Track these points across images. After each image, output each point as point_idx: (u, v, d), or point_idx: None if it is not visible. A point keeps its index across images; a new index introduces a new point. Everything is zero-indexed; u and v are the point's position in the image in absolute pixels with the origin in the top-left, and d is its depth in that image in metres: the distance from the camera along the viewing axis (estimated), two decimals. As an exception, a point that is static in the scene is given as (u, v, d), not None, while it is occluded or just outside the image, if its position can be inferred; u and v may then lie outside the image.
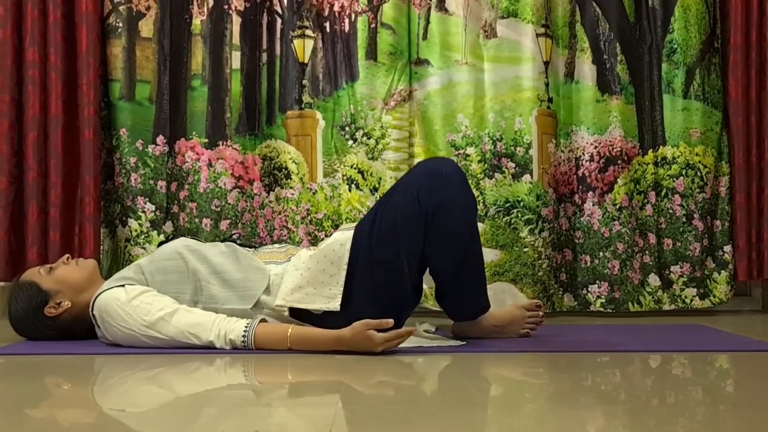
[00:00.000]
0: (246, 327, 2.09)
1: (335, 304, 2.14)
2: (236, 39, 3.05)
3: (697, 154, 3.07)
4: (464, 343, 2.21)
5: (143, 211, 2.97)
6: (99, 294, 2.17)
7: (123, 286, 2.17)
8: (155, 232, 2.97)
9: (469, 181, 2.94)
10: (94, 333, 2.25)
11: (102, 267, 2.96)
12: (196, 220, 2.99)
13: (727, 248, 3.07)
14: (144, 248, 2.94)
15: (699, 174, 3.07)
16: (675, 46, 3.07)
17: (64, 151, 2.94)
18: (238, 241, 2.38)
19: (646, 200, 3.07)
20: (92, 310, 2.17)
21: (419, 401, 1.63)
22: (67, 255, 2.35)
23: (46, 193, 2.94)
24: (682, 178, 3.06)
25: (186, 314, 2.12)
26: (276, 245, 2.43)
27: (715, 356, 2.12)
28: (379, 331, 2.02)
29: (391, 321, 2.03)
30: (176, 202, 3.01)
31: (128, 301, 2.13)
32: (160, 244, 2.39)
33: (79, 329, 2.27)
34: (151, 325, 2.10)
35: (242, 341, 2.08)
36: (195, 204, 3.00)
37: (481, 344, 2.22)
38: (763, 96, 3.07)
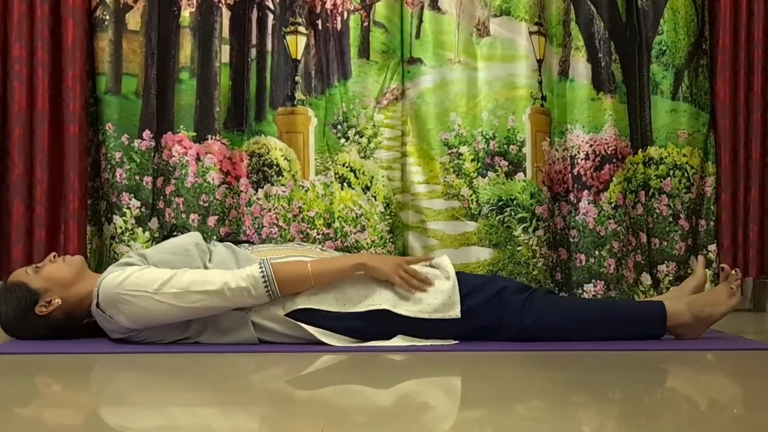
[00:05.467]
0: (261, 264, 2.11)
1: (456, 311, 2.20)
2: (226, 32, 3.02)
3: (684, 155, 3.08)
4: (457, 342, 2.21)
5: (128, 208, 2.93)
6: (105, 276, 2.16)
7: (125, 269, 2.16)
8: (140, 229, 2.93)
9: (462, 180, 2.97)
10: (88, 331, 2.24)
11: (89, 265, 2.92)
12: (183, 215, 2.94)
13: (712, 248, 3.09)
14: (128, 246, 2.89)
15: (686, 175, 3.09)
16: (664, 48, 3.08)
17: (50, 147, 2.89)
18: (244, 239, 2.38)
19: (636, 199, 3.08)
20: (97, 290, 2.14)
21: (412, 401, 1.62)
22: (53, 253, 2.33)
23: (31, 190, 2.88)
24: (669, 178, 3.07)
25: (197, 270, 2.15)
26: (292, 244, 2.45)
27: (708, 355, 2.13)
28: None
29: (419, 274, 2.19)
30: (162, 197, 2.98)
31: (136, 270, 2.13)
32: (164, 237, 2.38)
33: (71, 327, 2.25)
34: (164, 282, 2.09)
35: (261, 275, 2.09)
36: (182, 199, 2.95)
37: (474, 343, 2.21)
38: (751, 97, 3.10)
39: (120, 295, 2.10)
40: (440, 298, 2.21)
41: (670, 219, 3.08)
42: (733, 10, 3.08)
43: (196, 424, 1.41)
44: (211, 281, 2.09)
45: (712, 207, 3.11)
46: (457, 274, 2.27)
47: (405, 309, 2.19)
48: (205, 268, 2.22)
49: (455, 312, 2.19)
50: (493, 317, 2.21)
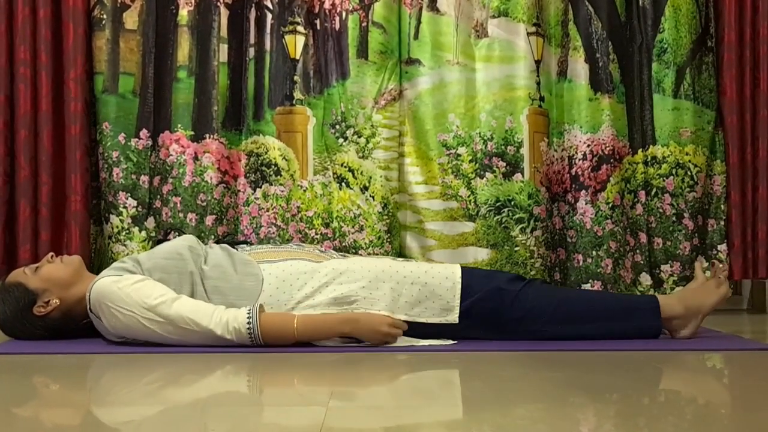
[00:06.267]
0: (249, 314, 2.09)
1: (454, 316, 2.21)
2: (224, 32, 3.01)
3: (687, 154, 3.08)
4: (455, 342, 2.21)
5: (125, 207, 2.92)
6: (96, 281, 2.16)
7: (121, 275, 2.16)
8: (137, 228, 2.92)
9: (460, 181, 2.98)
10: (86, 331, 2.23)
11: (93, 265, 2.92)
12: (180, 214, 2.92)
13: (722, 247, 3.07)
14: (125, 245, 2.88)
15: (689, 173, 3.08)
16: (665, 46, 3.08)
17: (53, 148, 2.89)
18: (241, 240, 2.38)
19: (636, 199, 3.08)
20: (89, 296, 2.15)
21: (410, 401, 1.62)
22: (51, 253, 2.34)
23: (36, 191, 2.88)
24: (672, 177, 3.07)
25: (187, 301, 2.12)
26: (291, 245, 2.45)
27: (705, 355, 2.13)
28: None
29: (405, 325, 2.13)
30: (159, 196, 2.96)
31: (129, 284, 2.11)
32: (159, 241, 2.38)
33: (70, 327, 2.25)
34: (152, 308, 2.08)
35: (248, 327, 2.08)
36: (179, 198, 2.94)
37: (473, 343, 2.21)
38: (757, 94, 3.08)
39: (109, 307, 2.10)
40: (438, 302, 2.21)
41: (674, 218, 3.08)
42: (737, 6, 3.07)
43: (193, 425, 1.41)
44: (198, 322, 2.07)
45: (722, 206, 3.09)
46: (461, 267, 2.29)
47: (404, 314, 2.19)
48: (201, 270, 2.22)
49: (453, 317, 2.20)
50: (490, 312, 2.21)
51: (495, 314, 2.22)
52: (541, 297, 2.25)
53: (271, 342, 2.10)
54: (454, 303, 2.21)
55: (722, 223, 3.09)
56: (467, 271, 2.29)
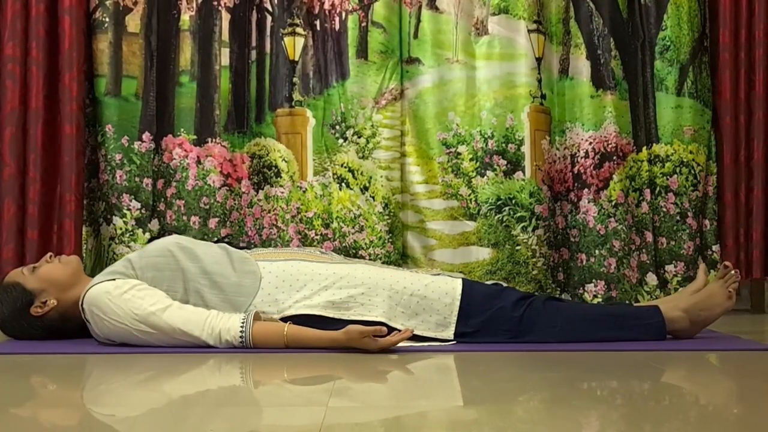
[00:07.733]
0: (242, 329, 2.08)
1: (449, 333, 2.19)
2: (225, 35, 3.02)
3: (690, 152, 3.06)
4: (454, 342, 2.20)
5: (128, 209, 2.93)
6: (89, 288, 2.15)
7: (114, 280, 2.15)
8: (140, 230, 2.93)
9: (461, 180, 2.97)
10: (84, 331, 2.23)
11: (85, 266, 2.91)
12: (184, 217, 2.94)
13: (716, 248, 3.06)
14: (129, 247, 2.89)
15: (692, 172, 3.06)
16: (668, 44, 3.07)
17: (44, 147, 2.88)
18: (241, 244, 2.38)
19: (641, 197, 3.06)
20: (82, 304, 2.15)
21: (410, 401, 1.61)
22: (49, 253, 2.33)
23: (23, 189, 2.87)
24: (675, 176, 3.06)
25: (178, 311, 2.11)
26: (295, 249, 2.43)
27: (706, 355, 2.12)
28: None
29: (384, 329, 2.06)
30: (163, 199, 2.97)
31: (120, 294, 2.11)
32: (150, 240, 2.37)
33: (67, 327, 2.25)
34: (143, 319, 2.08)
35: (240, 342, 2.08)
36: (183, 202, 2.96)
37: (472, 343, 2.20)
38: (753, 96, 3.07)
39: (101, 318, 2.11)
40: (435, 317, 2.19)
41: (678, 218, 3.05)
42: (733, 8, 3.05)
43: (192, 425, 1.40)
44: (189, 333, 2.07)
45: (713, 206, 3.08)
46: (463, 283, 2.24)
47: (401, 324, 2.18)
48: (198, 266, 2.20)
49: (448, 333, 2.19)
50: (490, 338, 2.20)
51: (496, 340, 2.20)
52: (544, 324, 2.20)
53: (262, 347, 2.11)
54: (450, 319, 2.19)
55: (715, 223, 3.08)
56: (469, 290, 2.23)
